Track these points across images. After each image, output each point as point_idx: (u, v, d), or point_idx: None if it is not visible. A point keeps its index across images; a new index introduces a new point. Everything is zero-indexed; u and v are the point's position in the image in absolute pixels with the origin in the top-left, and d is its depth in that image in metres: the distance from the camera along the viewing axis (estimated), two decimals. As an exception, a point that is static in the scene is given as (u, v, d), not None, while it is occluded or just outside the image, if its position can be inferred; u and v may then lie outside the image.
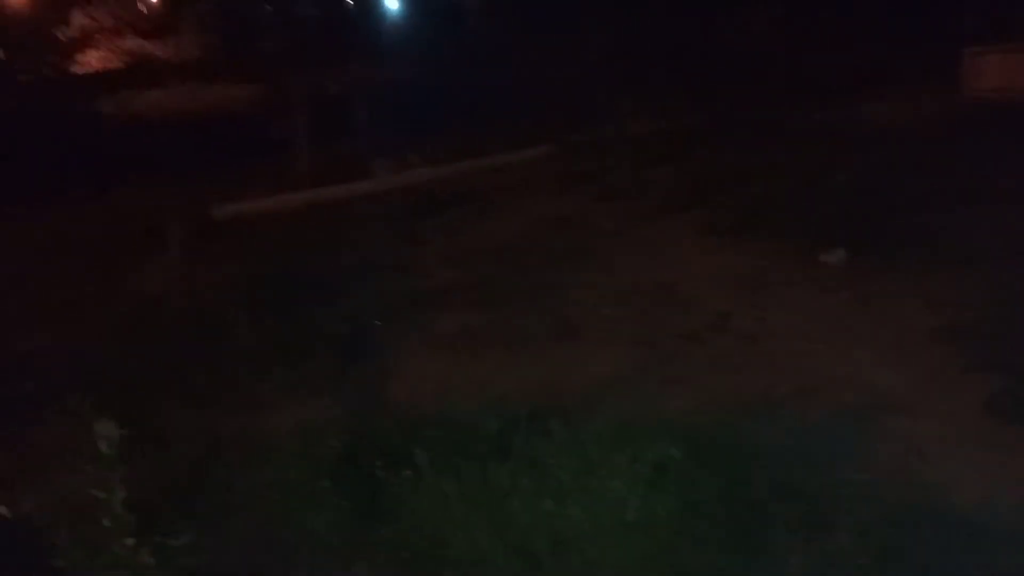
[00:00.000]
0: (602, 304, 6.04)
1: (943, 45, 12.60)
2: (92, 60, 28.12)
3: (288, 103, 12.77)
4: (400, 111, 13.83)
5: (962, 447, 3.85)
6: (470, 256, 7.55)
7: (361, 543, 3.50)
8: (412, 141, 12.35)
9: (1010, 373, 4.40)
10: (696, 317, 5.65)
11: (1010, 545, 3.14)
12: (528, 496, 3.40)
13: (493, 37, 22.98)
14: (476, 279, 6.88)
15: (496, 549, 3.28)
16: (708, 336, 5.35)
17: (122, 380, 5.27)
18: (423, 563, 3.34)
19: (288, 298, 6.69)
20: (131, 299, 7.01)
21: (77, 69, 27.12)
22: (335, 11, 35.94)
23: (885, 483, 3.55)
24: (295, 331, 5.96)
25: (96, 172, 11.69)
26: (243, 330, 5.94)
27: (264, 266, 7.75)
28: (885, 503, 3.38)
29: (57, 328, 6.45)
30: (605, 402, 4.51)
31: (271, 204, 10.27)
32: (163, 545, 3.27)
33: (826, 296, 5.80)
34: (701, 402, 4.48)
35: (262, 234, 9.01)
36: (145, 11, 31.67)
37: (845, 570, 3.03)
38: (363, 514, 3.64)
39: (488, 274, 6.97)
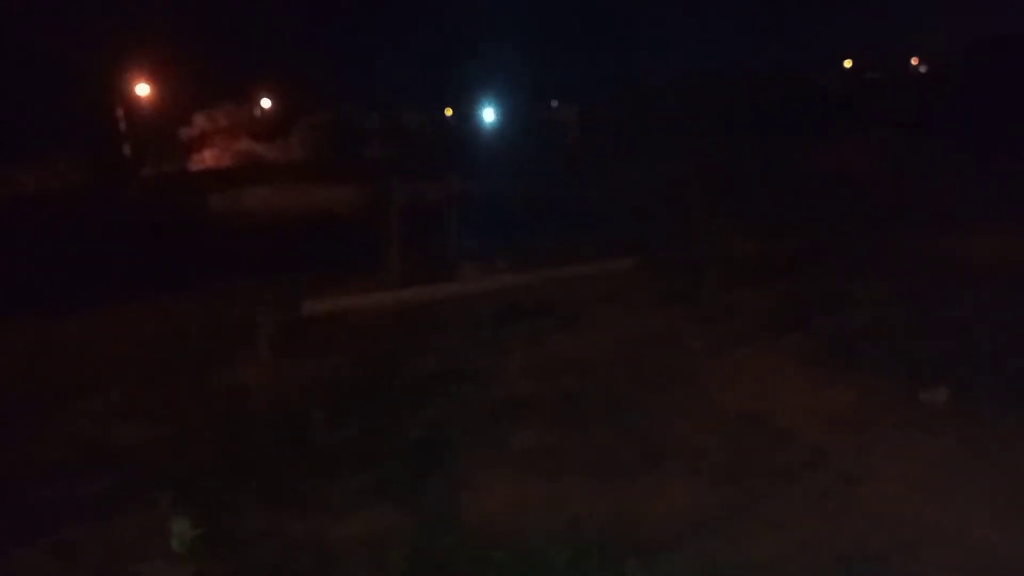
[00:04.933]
0: (689, 431, 5.77)
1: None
2: (207, 158, 30.42)
3: (385, 207, 13.25)
4: (492, 220, 14.23)
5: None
6: (552, 369, 7.41)
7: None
8: (502, 249, 12.61)
9: None
10: (790, 452, 5.31)
11: None
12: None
13: (589, 152, 23.64)
14: (557, 393, 6.73)
15: None
16: (802, 475, 5.00)
17: (202, 475, 5.36)
18: None
19: (368, 400, 6.73)
20: (217, 392, 7.14)
21: (193, 166, 29.34)
22: (436, 124, 38.01)
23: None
24: (372, 435, 5.96)
25: (197, 264, 12.35)
26: (322, 430, 6.00)
27: (348, 365, 7.83)
28: None
29: (143, 420, 6.59)
30: (686, 541, 4.23)
31: (360, 302, 10.50)
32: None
33: (931, 439, 5.37)
34: (791, 550, 4.15)
35: (349, 332, 9.16)
36: (259, 115, 34.25)
37: None
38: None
39: (570, 389, 6.81)
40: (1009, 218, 11.64)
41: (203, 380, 7.48)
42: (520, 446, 5.74)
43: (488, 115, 40.88)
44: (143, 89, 29.72)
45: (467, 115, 42.02)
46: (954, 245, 10.74)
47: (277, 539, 4.62)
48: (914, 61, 42.49)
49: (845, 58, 42.80)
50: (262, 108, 35.11)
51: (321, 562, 4.38)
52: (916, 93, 27.50)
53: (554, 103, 44.48)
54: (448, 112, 45.12)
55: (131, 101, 28.65)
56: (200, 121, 32.17)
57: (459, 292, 11.06)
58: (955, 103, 21.87)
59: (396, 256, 11.91)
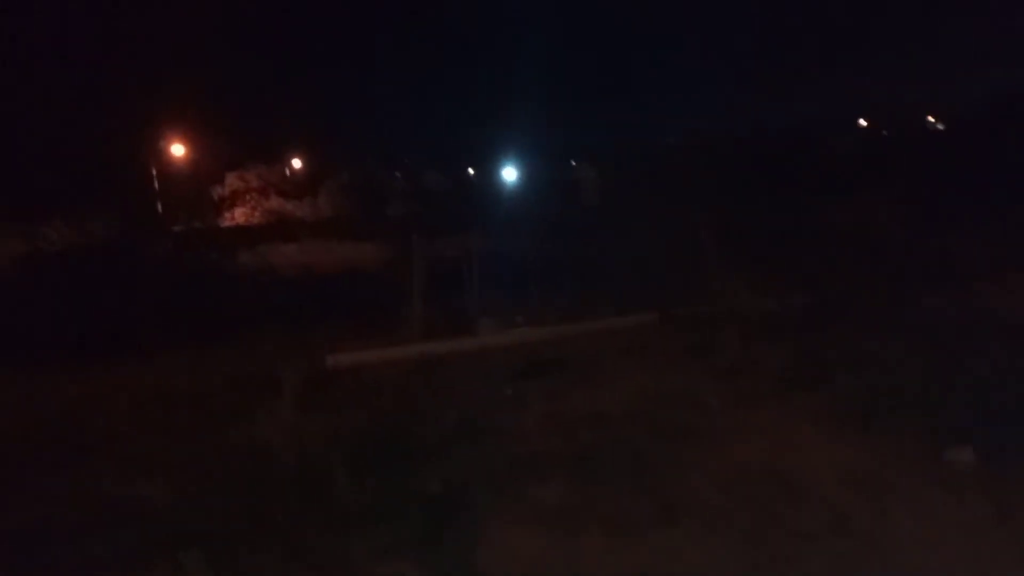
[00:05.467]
0: (709, 489, 5.73)
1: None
2: (238, 216, 31.12)
3: (407, 263, 13.47)
4: (512, 276, 14.37)
5: None
6: (571, 424, 7.42)
7: None
8: (521, 304, 12.74)
9: None
10: (811, 513, 5.25)
11: None
12: None
13: (607, 209, 23.90)
14: (576, 450, 6.72)
15: None
16: (825, 537, 4.93)
17: (223, 532, 5.38)
18: None
19: (389, 455, 6.76)
20: (240, 447, 7.18)
21: (224, 223, 30.01)
22: (459, 183, 38.67)
23: None
24: (392, 491, 5.98)
25: (224, 318, 12.58)
26: (342, 486, 6.02)
27: (369, 419, 7.89)
28: None
29: (163, 475, 6.61)
30: (709, 603, 4.19)
31: (383, 356, 10.63)
32: None
33: (956, 500, 5.29)
34: (816, 613, 4.08)
35: (371, 386, 9.25)
36: (289, 174, 35.09)
37: None
38: None
39: (589, 445, 6.80)
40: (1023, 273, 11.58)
41: (226, 434, 7.55)
42: (539, 502, 5.73)
43: (510, 175, 41.60)
44: (178, 149, 30.71)
45: (490, 175, 42.78)
46: (973, 300, 10.67)
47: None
48: (930, 118, 42.65)
49: (861, 117, 43.04)
50: (292, 168, 36.02)
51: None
52: (933, 149, 27.58)
53: (573, 163, 45.21)
54: (471, 171, 45.99)
55: (165, 161, 29.58)
56: (232, 180, 33.04)
57: (479, 346, 11.15)
58: (973, 158, 21.89)
59: (418, 310, 12.07)
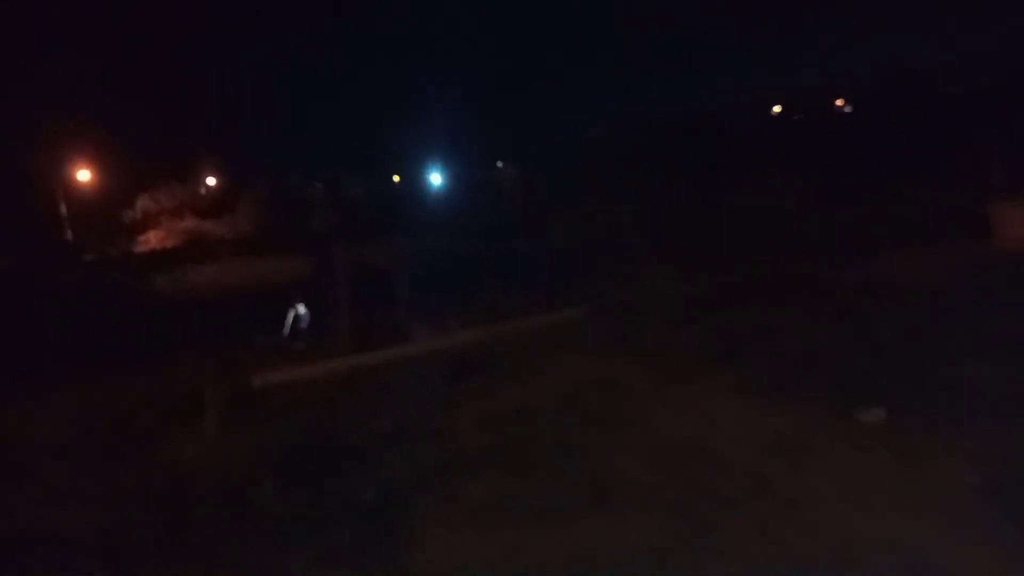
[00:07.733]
0: (636, 468, 5.86)
1: (967, 199, 12.91)
2: (152, 239, 30.16)
3: (333, 275, 13.29)
4: (441, 279, 14.36)
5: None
6: (503, 420, 7.47)
7: None
8: (451, 307, 12.72)
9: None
10: (733, 481, 5.44)
11: None
12: None
13: (529, 208, 24.05)
14: (508, 444, 6.77)
15: None
16: (746, 501, 5.12)
17: (147, 557, 5.26)
18: None
19: (319, 466, 6.69)
20: (164, 472, 7.01)
21: (138, 248, 29.02)
22: (383, 189, 38.33)
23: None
24: (324, 500, 5.94)
25: (143, 343, 12.17)
26: (271, 502, 5.94)
27: (298, 434, 7.78)
28: None
29: (91, 499, 6.43)
30: None
31: (310, 371, 10.46)
32: None
33: (865, 457, 5.56)
34: (739, 575, 4.23)
35: (300, 402, 9.11)
36: (204, 193, 34.16)
37: None
38: None
39: (520, 438, 6.86)
40: (921, 242, 12.28)
41: (149, 460, 7.34)
42: (472, 500, 5.75)
43: (435, 179, 41.59)
44: (84, 175, 29.56)
45: (416, 179, 42.68)
46: (876, 270, 11.24)
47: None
48: (839, 102, 44.52)
49: (775, 102, 44.64)
50: (207, 185, 35.11)
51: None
52: (839, 130, 28.80)
53: (499, 164, 45.53)
54: (396, 178, 45.78)
55: (72, 187, 28.42)
56: (144, 202, 32.00)
57: (410, 353, 11.08)
58: (874, 138, 23.00)
59: (345, 323, 11.92)
